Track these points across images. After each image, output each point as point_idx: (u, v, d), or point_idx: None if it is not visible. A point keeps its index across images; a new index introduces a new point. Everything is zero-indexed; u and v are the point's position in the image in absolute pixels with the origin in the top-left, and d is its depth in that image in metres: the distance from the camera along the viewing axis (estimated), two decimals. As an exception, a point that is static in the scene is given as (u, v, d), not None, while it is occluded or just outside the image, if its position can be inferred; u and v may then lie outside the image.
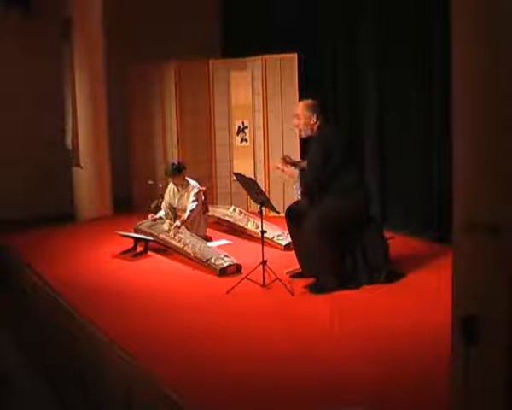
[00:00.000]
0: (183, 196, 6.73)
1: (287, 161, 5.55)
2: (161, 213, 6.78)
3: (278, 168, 5.56)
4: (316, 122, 5.28)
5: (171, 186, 6.83)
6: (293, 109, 7.68)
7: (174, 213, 6.83)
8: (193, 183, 6.72)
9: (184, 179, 6.73)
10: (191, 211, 6.56)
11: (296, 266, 5.55)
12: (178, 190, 6.76)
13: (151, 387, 3.75)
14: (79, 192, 8.37)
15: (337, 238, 5.15)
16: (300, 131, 5.41)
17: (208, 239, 6.74)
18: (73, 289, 5.45)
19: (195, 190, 6.64)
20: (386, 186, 7.18)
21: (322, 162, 5.13)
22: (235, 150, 8.34)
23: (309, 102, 5.38)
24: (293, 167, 5.50)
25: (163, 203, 6.88)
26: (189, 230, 6.50)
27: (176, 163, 6.79)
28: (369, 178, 6.95)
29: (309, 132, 5.33)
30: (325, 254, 5.12)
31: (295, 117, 5.41)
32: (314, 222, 5.10)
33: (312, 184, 5.23)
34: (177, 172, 6.66)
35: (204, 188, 6.98)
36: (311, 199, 5.28)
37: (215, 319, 4.68)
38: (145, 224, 6.77)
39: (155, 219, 6.71)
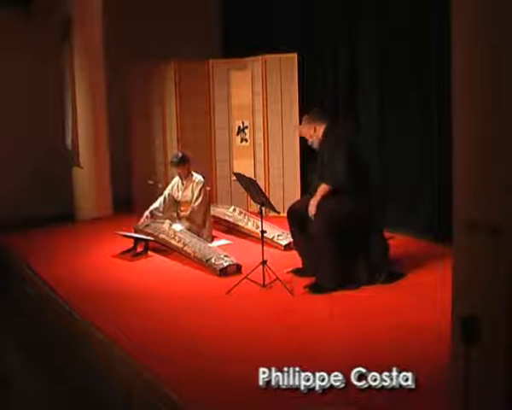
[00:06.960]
0: (188, 188, 6.75)
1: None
2: (154, 207, 6.76)
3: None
4: (315, 131, 5.34)
5: (175, 180, 6.85)
6: (293, 109, 7.78)
7: (175, 207, 6.82)
8: (198, 176, 6.76)
9: (189, 172, 6.75)
10: (198, 205, 6.62)
11: (296, 266, 5.56)
12: (183, 183, 6.78)
13: (151, 387, 3.75)
14: (79, 192, 8.37)
15: (340, 239, 5.15)
16: (312, 144, 5.45)
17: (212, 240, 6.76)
18: (73, 290, 5.45)
19: (201, 185, 6.68)
20: (387, 186, 7.18)
21: (349, 165, 5.09)
22: (235, 150, 8.34)
23: (306, 116, 5.49)
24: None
25: (161, 196, 6.85)
26: (195, 227, 6.52)
27: (180, 153, 6.85)
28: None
29: (316, 142, 5.38)
30: (328, 254, 5.12)
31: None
32: (321, 224, 5.09)
33: (341, 186, 5.14)
34: (182, 162, 6.70)
35: (209, 188, 7.01)
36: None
37: (215, 320, 4.68)
38: (145, 224, 6.77)
39: (147, 217, 6.70)
